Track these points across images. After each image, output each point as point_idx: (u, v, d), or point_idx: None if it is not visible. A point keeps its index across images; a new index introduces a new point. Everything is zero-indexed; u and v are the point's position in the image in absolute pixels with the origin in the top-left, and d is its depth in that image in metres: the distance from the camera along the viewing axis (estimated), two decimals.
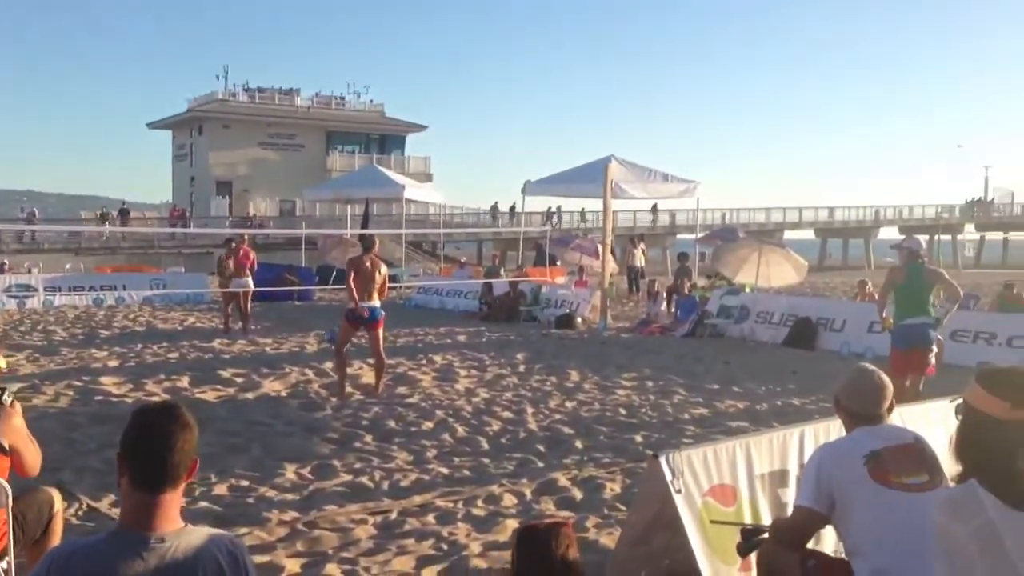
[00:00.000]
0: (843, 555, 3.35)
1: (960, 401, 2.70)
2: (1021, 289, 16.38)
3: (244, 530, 5.33)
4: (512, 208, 45.89)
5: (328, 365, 11.28)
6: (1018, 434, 2.52)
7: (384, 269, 9.94)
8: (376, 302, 9.76)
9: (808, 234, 66.93)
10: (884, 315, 8.99)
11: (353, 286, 9.70)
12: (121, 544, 2.20)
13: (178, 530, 2.25)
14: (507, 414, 8.89)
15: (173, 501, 2.26)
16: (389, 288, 10.51)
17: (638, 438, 7.92)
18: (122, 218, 45.21)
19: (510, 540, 2.59)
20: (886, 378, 3.48)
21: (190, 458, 2.28)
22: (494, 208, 53.70)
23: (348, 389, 9.80)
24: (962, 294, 8.95)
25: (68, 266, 28.88)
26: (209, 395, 9.72)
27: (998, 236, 68.24)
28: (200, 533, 2.29)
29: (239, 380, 10.53)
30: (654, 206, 50.51)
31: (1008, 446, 2.51)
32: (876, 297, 11.25)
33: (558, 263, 28.06)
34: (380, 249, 10.34)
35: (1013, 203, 71.02)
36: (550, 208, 48.59)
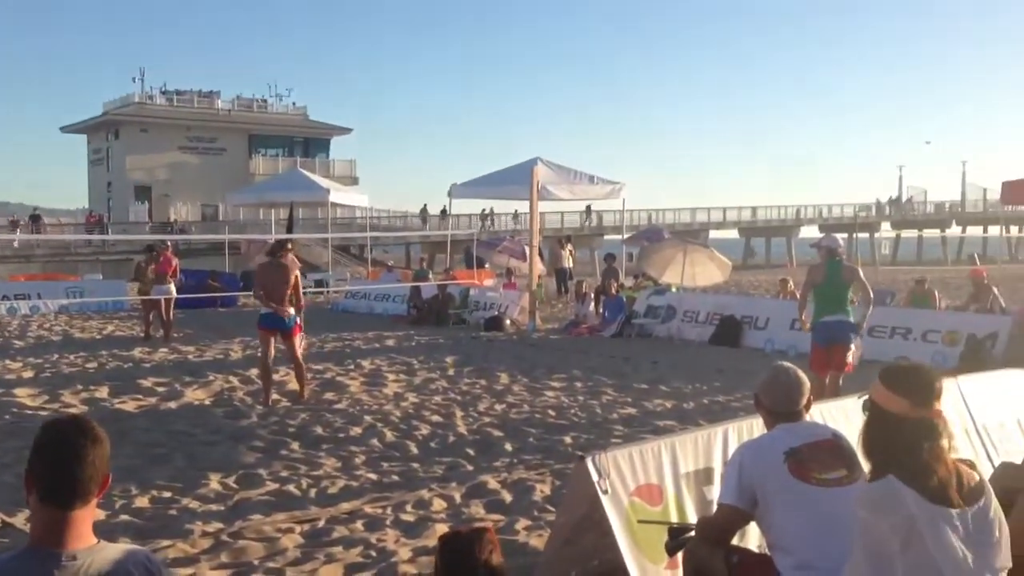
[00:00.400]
0: (766, 550, 3.42)
1: (866, 398, 2.78)
2: (932, 284, 16.93)
3: (166, 543, 5.21)
4: (443, 211, 45.70)
5: (253, 372, 11.09)
6: (920, 431, 2.61)
7: (295, 274, 9.66)
8: (290, 308, 9.55)
9: (732, 233, 68.24)
10: (803, 316, 9.21)
11: (262, 292, 9.55)
12: (31, 562, 2.11)
13: (91, 547, 2.17)
14: (436, 418, 8.85)
15: (85, 517, 2.18)
16: (307, 293, 10.20)
17: (567, 439, 7.96)
18: (33, 224, 43.78)
19: (434, 547, 2.57)
20: (803, 376, 3.55)
21: (101, 473, 2.20)
22: (424, 211, 53.35)
23: (274, 396, 9.65)
24: (872, 295, 9.19)
25: None
26: (129, 405, 9.48)
27: (913, 234, 70.41)
28: (114, 549, 2.22)
29: (161, 389, 10.29)
30: (588, 207, 50.89)
31: (911, 442, 2.60)
32: (797, 295, 11.52)
33: (486, 265, 28.09)
34: (306, 253, 10.19)
35: (927, 201, 73.46)
36: (484, 210, 48.60)
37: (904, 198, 72.76)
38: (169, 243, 16.80)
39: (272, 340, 9.69)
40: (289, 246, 10.17)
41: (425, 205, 54.13)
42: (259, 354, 9.95)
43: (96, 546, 2.19)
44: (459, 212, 45.19)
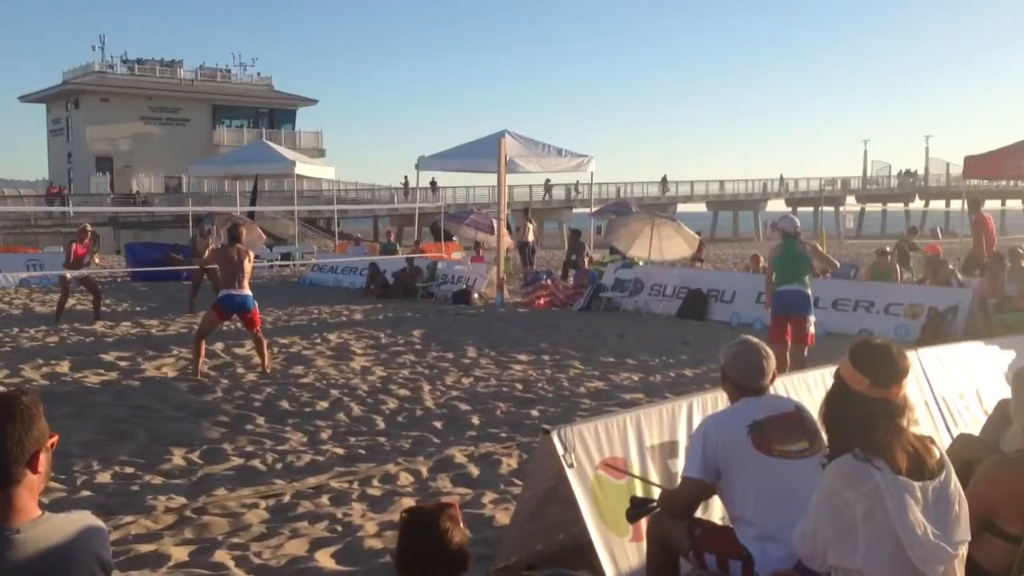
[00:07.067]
0: (729, 523, 3.44)
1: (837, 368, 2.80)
2: (893, 255, 16.99)
3: (129, 519, 5.16)
4: (432, 183, 45.02)
5: (218, 346, 11.02)
6: (876, 409, 2.65)
7: (251, 258, 9.99)
8: (247, 291, 9.72)
9: (700, 207, 68.54)
10: (768, 298, 9.47)
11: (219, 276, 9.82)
12: None
13: (34, 520, 2.16)
14: (404, 392, 8.83)
15: (22, 493, 2.15)
16: (273, 265, 10.42)
17: (534, 412, 7.97)
18: None
19: (397, 523, 2.57)
20: (769, 351, 3.57)
21: (31, 450, 2.16)
22: (406, 183, 51.18)
23: (239, 370, 9.59)
24: (838, 264, 9.57)
25: None
26: (91, 380, 9.36)
27: (877, 207, 71.12)
28: (59, 520, 2.21)
29: (123, 364, 10.17)
30: (547, 181, 50.79)
31: (867, 420, 2.64)
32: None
33: (454, 239, 27.97)
34: (272, 226, 10.22)
35: (890, 176, 74.19)
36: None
37: (869, 172, 73.36)
38: (88, 227, 15.49)
39: (218, 323, 10.10)
40: (243, 229, 10.42)
41: (406, 176, 51.84)
42: (199, 330, 9.89)
43: (40, 519, 2.17)
44: (444, 184, 45.13)
